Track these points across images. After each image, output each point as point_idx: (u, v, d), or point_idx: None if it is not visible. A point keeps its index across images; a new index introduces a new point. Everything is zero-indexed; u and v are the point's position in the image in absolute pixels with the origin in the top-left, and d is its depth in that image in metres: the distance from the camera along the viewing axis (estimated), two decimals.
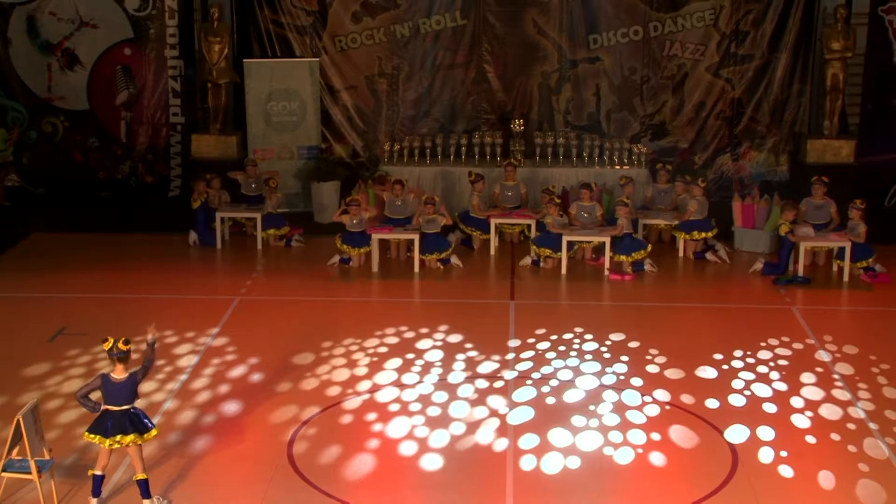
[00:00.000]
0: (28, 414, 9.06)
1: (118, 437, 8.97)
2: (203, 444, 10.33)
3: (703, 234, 16.16)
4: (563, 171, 18.02)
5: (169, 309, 13.93)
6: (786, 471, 9.85)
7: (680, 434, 10.57)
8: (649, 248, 15.72)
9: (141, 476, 9.10)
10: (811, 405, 11.22)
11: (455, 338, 13.04)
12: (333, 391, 11.53)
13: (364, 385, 11.69)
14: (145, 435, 9.10)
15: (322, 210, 18.09)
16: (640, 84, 18.96)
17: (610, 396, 11.40)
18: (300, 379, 11.82)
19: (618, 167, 17.95)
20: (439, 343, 12.88)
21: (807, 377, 11.91)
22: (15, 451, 9.08)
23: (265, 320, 13.70)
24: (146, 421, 9.16)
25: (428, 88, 19.20)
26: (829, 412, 11.08)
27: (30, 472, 9.01)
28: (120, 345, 9.00)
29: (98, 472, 9.13)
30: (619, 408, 11.12)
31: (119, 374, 9.01)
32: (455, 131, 18.92)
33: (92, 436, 9.08)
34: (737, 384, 11.71)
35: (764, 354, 12.53)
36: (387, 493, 9.56)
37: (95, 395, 9.13)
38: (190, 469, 9.84)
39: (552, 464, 9.96)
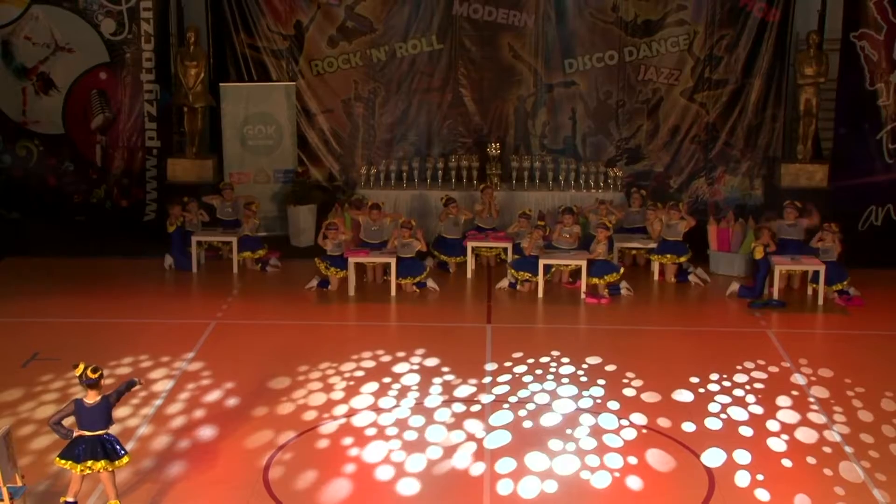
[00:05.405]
0: (0, 440, 8.97)
1: (89, 463, 8.88)
2: (177, 470, 10.24)
3: (682, 258, 16.22)
4: (540, 195, 18.08)
5: (144, 333, 13.85)
6: (762, 494, 9.85)
7: (657, 458, 10.56)
8: (622, 270, 15.77)
9: (114, 503, 9.02)
10: (787, 428, 11.24)
11: (432, 361, 13.01)
12: (310, 415, 11.47)
13: (340, 409, 11.63)
14: (116, 462, 9.00)
15: (298, 234, 18.06)
16: (615, 108, 19.05)
17: (587, 420, 11.39)
18: (276, 403, 11.75)
19: (594, 191, 18.03)
20: (416, 367, 12.84)
21: (783, 400, 11.93)
22: None
23: (241, 344, 13.63)
24: (118, 448, 9.06)
25: (404, 112, 19.24)
26: (805, 435, 11.10)
27: (2, 499, 8.92)
28: (89, 372, 8.92)
29: (70, 499, 9.05)
30: (596, 431, 11.11)
31: (92, 398, 8.94)
32: (431, 155, 18.95)
33: (63, 461, 8.99)
34: (713, 407, 11.72)
35: (740, 378, 12.55)
36: None
37: (68, 422, 9.04)
38: (164, 495, 9.75)
39: (529, 488, 9.92)
